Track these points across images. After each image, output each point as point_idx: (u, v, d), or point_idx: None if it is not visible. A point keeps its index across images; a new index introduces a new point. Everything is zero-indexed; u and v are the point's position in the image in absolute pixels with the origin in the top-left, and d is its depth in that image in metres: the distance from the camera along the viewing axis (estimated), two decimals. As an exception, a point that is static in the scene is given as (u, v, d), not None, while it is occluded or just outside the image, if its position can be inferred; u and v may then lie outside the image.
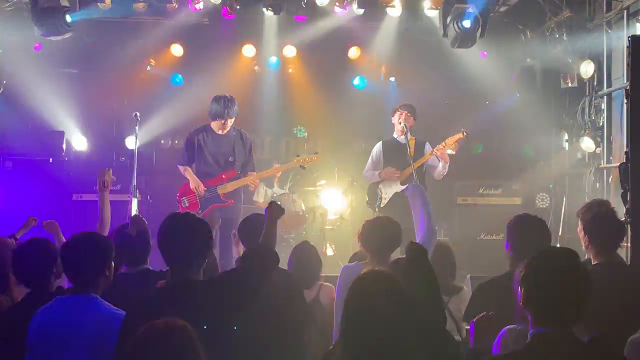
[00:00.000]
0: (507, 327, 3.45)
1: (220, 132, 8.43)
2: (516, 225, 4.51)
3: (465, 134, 8.37)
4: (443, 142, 8.37)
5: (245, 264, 4.01)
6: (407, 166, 8.39)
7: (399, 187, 8.49)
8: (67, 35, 9.04)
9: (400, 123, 8.55)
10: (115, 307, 3.87)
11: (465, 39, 9.20)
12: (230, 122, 8.41)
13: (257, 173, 8.63)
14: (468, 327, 4.54)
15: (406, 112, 8.56)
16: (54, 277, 4.34)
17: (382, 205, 8.68)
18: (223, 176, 8.40)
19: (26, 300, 4.25)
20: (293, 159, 8.69)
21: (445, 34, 9.27)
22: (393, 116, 8.75)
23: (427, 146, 8.68)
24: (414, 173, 8.10)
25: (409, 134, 8.48)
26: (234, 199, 8.39)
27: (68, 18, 8.71)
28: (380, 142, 9.03)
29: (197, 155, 8.46)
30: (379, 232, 5.13)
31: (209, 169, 8.45)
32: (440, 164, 8.40)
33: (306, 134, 12.00)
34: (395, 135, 8.82)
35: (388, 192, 8.64)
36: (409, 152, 8.32)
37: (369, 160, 9.02)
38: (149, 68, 11.53)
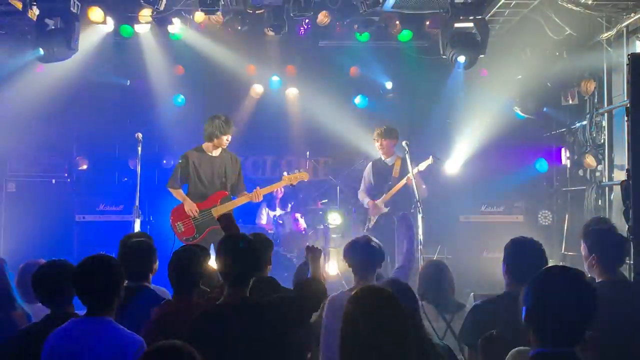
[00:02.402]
0: (517, 349, 3.43)
1: (213, 153, 8.47)
2: (512, 248, 4.55)
3: (434, 159, 9.05)
4: (416, 168, 8.85)
5: (302, 291, 4.36)
6: (390, 188, 9.15)
7: (383, 210, 9.22)
8: (68, 58, 9.07)
9: (380, 150, 9.41)
10: (130, 331, 3.88)
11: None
12: (229, 139, 8.47)
13: (260, 189, 8.54)
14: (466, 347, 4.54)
15: (382, 139, 9.32)
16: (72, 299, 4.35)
17: (370, 227, 9.32)
18: (215, 198, 8.37)
19: (45, 321, 4.23)
20: (283, 178, 8.75)
21: (444, 53, 9.32)
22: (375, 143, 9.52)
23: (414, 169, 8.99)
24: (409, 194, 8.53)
25: (393, 157, 9.34)
26: None
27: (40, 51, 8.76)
28: (371, 163, 9.75)
29: (192, 177, 8.42)
30: (360, 251, 5.25)
31: (205, 190, 8.41)
32: (416, 192, 8.50)
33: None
34: (382, 157, 9.49)
35: (375, 214, 9.33)
36: (392, 174, 9.18)
37: (362, 181, 9.78)
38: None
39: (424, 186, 8.96)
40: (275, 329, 4.02)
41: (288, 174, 8.74)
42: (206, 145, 8.48)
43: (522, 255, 4.47)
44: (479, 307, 4.59)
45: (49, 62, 8.96)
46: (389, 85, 11.91)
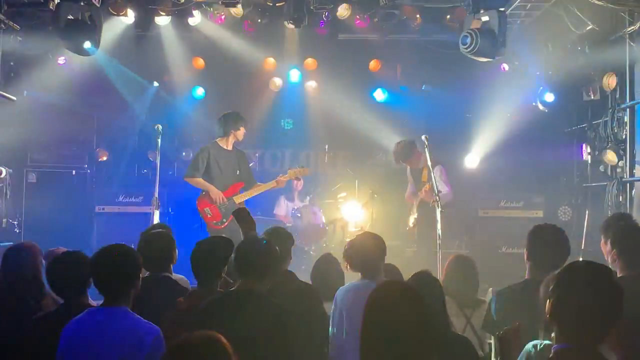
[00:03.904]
0: (532, 342, 3.41)
1: (228, 147, 8.94)
2: (536, 234, 4.54)
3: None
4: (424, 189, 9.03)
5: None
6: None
7: (415, 214, 9.52)
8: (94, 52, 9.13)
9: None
10: (146, 320, 3.89)
11: (483, 52, 9.16)
12: (245, 132, 9.04)
13: (281, 178, 9.16)
14: (490, 341, 4.51)
15: (400, 163, 9.53)
16: (87, 289, 4.37)
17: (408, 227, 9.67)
18: (235, 188, 8.89)
19: (59, 311, 4.28)
20: (288, 172, 9.36)
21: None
22: None
23: (436, 170, 8.97)
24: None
25: (422, 160, 9.07)
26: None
27: (87, 44, 8.76)
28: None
29: (211, 169, 8.83)
30: (361, 248, 5.22)
31: (225, 181, 8.86)
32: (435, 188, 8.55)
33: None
34: None
35: (411, 219, 9.59)
36: (422, 178, 9.26)
37: None
38: (155, 84, 11.66)
39: (447, 192, 9.08)
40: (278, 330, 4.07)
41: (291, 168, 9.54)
42: (221, 140, 8.95)
43: (544, 241, 4.46)
44: (502, 294, 4.58)
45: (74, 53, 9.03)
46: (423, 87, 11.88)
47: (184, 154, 12.00)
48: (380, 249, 5.22)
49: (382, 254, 5.23)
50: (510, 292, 4.51)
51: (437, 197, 8.16)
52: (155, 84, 11.77)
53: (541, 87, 10.59)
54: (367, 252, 5.18)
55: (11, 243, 8.36)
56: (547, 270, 4.26)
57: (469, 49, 8.96)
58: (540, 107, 10.68)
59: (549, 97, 10.56)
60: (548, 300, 2.92)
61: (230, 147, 8.98)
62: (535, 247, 4.48)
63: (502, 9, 8.89)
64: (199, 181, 8.79)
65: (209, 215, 8.70)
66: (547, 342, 3.12)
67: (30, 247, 5.01)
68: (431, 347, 3.11)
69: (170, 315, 4.44)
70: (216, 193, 8.69)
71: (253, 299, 4.10)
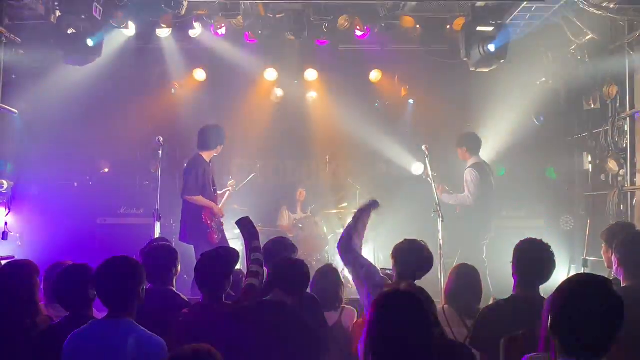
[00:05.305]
0: (529, 355, 3.39)
1: (208, 160, 8.89)
2: (521, 249, 4.51)
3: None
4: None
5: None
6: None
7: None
8: (91, 62, 9.16)
9: None
10: (150, 332, 3.88)
11: (488, 62, 9.21)
12: None
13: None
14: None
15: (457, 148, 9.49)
16: (92, 302, 4.37)
17: None
18: (216, 202, 8.98)
19: (64, 323, 4.25)
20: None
21: (467, 55, 9.30)
22: None
23: (466, 173, 9.04)
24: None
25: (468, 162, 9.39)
26: None
27: (89, 42, 8.81)
28: None
29: (208, 184, 8.80)
30: (408, 254, 5.16)
31: (211, 196, 8.88)
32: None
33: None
34: None
35: None
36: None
37: None
38: (173, 91, 11.65)
39: (466, 195, 9.26)
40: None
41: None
42: (204, 153, 8.87)
43: (530, 257, 4.43)
44: (487, 310, 4.58)
45: (74, 64, 9.06)
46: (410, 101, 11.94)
47: (185, 165, 11.97)
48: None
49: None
50: (497, 307, 4.51)
51: (439, 208, 8.16)
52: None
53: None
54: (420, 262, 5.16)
55: (13, 255, 8.40)
56: (533, 286, 4.28)
57: (475, 63, 9.07)
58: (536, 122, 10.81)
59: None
60: (549, 314, 2.91)
61: (209, 161, 8.92)
62: (520, 262, 4.46)
63: (501, 22, 8.95)
64: (201, 199, 8.69)
65: (213, 229, 8.67)
66: (539, 354, 3.11)
67: (25, 264, 4.98)
68: (432, 353, 3.12)
69: (176, 327, 4.44)
70: (220, 211, 8.82)
71: (286, 311, 4.22)
